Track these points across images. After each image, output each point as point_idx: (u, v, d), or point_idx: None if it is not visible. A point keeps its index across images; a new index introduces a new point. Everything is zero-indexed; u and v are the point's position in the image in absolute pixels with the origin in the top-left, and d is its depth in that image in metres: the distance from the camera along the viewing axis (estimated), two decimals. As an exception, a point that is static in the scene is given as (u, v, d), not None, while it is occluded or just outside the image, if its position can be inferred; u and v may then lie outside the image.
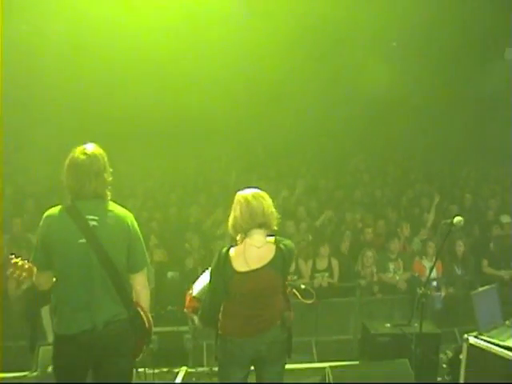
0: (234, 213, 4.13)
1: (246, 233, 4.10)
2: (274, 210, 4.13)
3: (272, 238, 4.15)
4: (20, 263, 4.02)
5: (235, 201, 4.17)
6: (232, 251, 4.09)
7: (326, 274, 8.47)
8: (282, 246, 4.12)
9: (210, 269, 4.20)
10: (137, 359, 4.21)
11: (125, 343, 4.04)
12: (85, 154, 3.92)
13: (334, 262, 8.57)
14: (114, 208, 4.02)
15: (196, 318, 4.52)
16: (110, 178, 4.02)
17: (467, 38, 14.08)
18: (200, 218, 10.01)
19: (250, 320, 4.11)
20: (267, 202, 4.12)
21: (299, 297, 5.29)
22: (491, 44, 15.05)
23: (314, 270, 8.48)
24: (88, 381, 4.16)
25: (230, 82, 13.57)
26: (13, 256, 4.05)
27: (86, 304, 3.89)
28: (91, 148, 3.98)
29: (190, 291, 4.60)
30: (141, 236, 4.12)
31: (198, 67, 13.19)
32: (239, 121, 14.62)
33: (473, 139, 15.99)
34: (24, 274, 4.04)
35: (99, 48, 12.35)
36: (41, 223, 3.95)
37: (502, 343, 5.09)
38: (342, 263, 8.66)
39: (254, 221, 4.06)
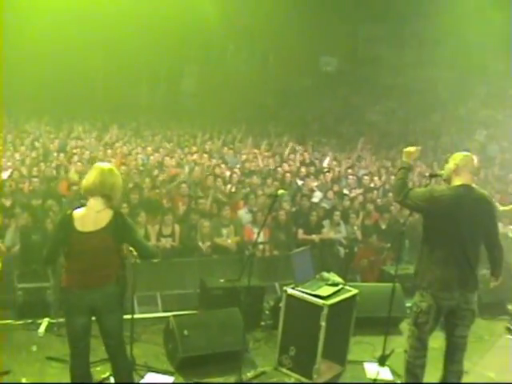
0: (85, 178, 4.17)
1: (89, 197, 4.12)
2: (115, 184, 4.13)
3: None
4: None
5: (91, 169, 4.20)
6: (76, 212, 4.10)
7: (170, 239, 8.46)
8: (119, 214, 4.16)
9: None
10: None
11: None
12: None
13: (177, 228, 8.57)
14: None
15: None
16: None
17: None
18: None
19: (87, 275, 4.14)
20: (111, 177, 4.12)
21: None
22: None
23: (160, 235, 8.43)
24: None
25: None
26: None
27: None
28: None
29: None
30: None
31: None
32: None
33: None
34: None
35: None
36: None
37: (312, 292, 5.44)
38: (183, 229, 8.66)
39: (92, 190, 4.10)
